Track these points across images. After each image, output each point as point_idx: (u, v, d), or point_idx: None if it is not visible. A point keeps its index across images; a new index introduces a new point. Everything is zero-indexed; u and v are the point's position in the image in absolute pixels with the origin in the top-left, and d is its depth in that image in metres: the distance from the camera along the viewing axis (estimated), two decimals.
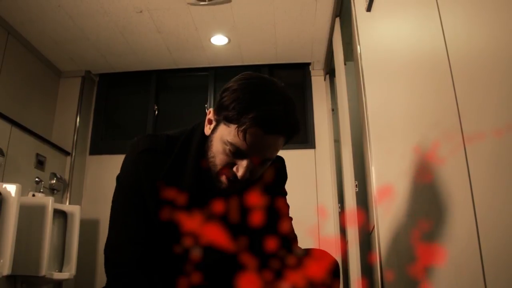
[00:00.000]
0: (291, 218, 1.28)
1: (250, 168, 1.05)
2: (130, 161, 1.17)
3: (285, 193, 1.31)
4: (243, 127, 1.00)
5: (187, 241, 1.10)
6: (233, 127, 1.02)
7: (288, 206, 1.29)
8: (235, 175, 1.06)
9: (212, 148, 1.09)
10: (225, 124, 1.05)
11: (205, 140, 1.13)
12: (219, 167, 1.07)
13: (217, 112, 1.09)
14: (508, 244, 0.70)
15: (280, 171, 1.29)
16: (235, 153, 1.04)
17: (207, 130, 1.13)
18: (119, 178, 1.20)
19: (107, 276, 1.13)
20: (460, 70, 0.91)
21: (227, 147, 1.04)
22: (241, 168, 1.05)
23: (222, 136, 1.05)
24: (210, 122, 1.13)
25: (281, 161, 1.31)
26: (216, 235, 1.10)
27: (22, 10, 3.24)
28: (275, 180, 1.23)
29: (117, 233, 1.15)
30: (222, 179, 1.08)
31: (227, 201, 1.13)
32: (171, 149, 1.15)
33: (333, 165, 3.71)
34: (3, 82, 3.35)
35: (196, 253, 1.11)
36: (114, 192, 1.20)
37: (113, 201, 1.19)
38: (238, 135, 1.01)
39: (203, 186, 1.14)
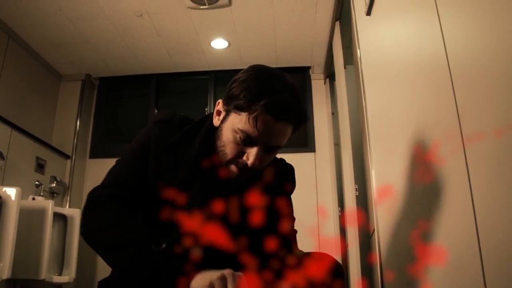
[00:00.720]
0: (294, 231, 1.28)
1: (260, 156, 1.08)
2: (145, 129, 1.22)
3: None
4: (254, 114, 1.03)
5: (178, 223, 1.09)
6: (244, 115, 1.05)
7: (294, 218, 1.30)
8: (245, 163, 1.08)
9: (222, 138, 1.11)
10: (235, 113, 1.08)
11: (213, 131, 1.16)
12: (229, 156, 1.10)
13: (226, 102, 1.12)
14: (508, 245, 0.70)
15: (288, 177, 1.32)
16: (246, 141, 1.07)
17: (216, 121, 1.15)
18: (132, 141, 1.24)
19: (84, 210, 1.14)
20: (460, 73, 0.91)
21: (238, 135, 1.07)
22: (251, 156, 1.07)
23: (233, 125, 1.08)
24: (219, 113, 1.15)
25: (290, 169, 1.35)
26: (218, 236, 1.10)
27: (23, 13, 3.25)
28: (283, 185, 1.26)
29: (109, 177, 1.17)
30: (232, 168, 1.10)
31: (230, 202, 1.13)
32: (183, 126, 1.20)
33: (333, 168, 3.71)
34: (3, 85, 3.36)
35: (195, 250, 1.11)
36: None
37: (118, 159, 1.23)
38: (249, 122, 1.04)
39: (208, 166, 1.15)
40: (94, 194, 1.15)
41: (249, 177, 1.14)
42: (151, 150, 1.17)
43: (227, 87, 1.14)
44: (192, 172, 1.15)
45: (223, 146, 1.11)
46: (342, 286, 1.13)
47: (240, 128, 1.06)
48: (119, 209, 1.10)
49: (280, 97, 1.05)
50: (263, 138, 1.06)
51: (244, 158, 1.09)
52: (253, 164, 1.07)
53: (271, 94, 1.04)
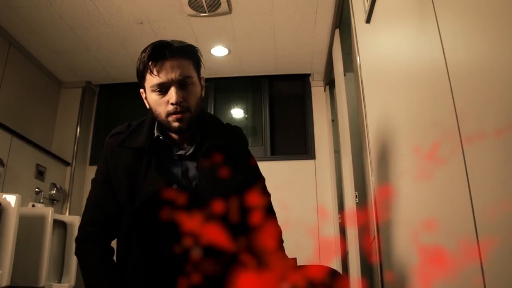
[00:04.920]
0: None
1: (177, 92, 1.26)
2: (102, 151, 1.40)
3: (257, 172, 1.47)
4: (148, 68, 1.27)
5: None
6: (146, 76, 1.28)
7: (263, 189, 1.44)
8: (174, 106, 1.26)
9: (152, 106, 1.31)
10: (144, 81, 1.31)
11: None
12: (162, 112, 1.28)
13: (140, 85, 1.35)
14: (507, 245, 0.71)
15: (236, 134, 1.46)
16: (161, 90, 1.27)
17: (147, 104, 1.35)
18: None
19: (75, 252, 1.34)
20: (459, 81, 0.92)
21: (154, 91, 1.28)
22: (171, 96, 1.26)
23: (149, 89, 1.29)
24: (145, 98, 1.36)
25: (237, 128, 1.50)
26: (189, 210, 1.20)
27: (24, 21, 3.27)
28: (234, 142, 1.41)
29: (85, 214, 1.38)
30: (170, 119, 1.28)
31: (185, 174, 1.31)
32: (131, 125, 1.41)
33: (333, 175, 3.71)
34: (4, 93, 3.36)
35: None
36: None
37: (90, 191, 1.45)
38: (151, 75, 1.27)
39: (161, 147, 1.34)
40: (79, 236, 1.34)
41: (190, 119, 1.30)
42: (110, 163, 1.34)
43: None
44: (149, 157, 1.30)
45: (155, 110, 1.30)
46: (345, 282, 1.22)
47: (151, 85, 1.27)
48: (97, 259, 1.29)
49: (156, 43, 1.29)
50: (168, 78, 1.26)
51: (169, 101, 1.26)
52: (176, 99, 1.25)
53: (150, 46, 1.29)
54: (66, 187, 3.88)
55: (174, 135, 1.35)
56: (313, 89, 4.21)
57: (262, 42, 3.64)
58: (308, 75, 4.23)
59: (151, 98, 1.30)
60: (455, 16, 0.94)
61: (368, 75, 1.99)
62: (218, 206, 1.23)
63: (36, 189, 3.50)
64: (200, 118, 1.37)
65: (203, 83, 1.40)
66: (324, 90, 4.16)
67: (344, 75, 3.02)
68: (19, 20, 3.25)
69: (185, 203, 1.21)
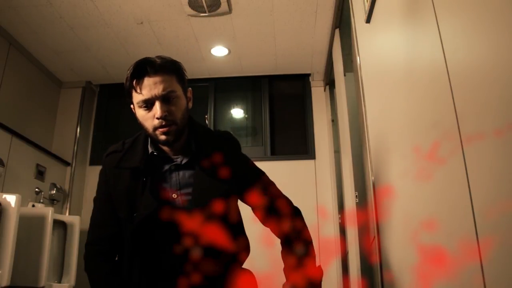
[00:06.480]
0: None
1: (162, 107, 1.30)
2: (100, 169, 1.46)
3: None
4: (132, 85, 1.31)
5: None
6: (132, 93, 1.33)
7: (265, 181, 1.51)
8: (159, 120, 1.30)
9: (140, 121, 1.35)
10: (131, 98, 1.35)
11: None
12: (150, 126, 1.33)
13: (128, 100, 1.38)
14: (507, 245, 0.71)
15: (228, 140, 1.51)
16: (147, 106, 1.31)
17: (137, 118, 1.38)
18: None
19: (84, 268, 1.44)
20: (459, 81, 0.92)
21: (141, 108, 1.32)
22: (156, 111, 1.30)
23: (136, 105, 1.34)
24: (135, 112, 1.39)
25: (227, 134, 1.55)
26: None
27: (24, 21, 3.27)
28: (227, 148, 1.46)
29: (89, 232, 1.45)
30: (157, 132, 1.33)
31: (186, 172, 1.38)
32: (126, 143, 1.45)
33: (333, 175, 3.71)
34: (4, 93, 3.36)
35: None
36: None
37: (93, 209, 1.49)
38: (136, 92, 1.31)
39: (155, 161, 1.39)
40: (86, 254, 1.42)
41: (176, 131, 1.34)
42: (109, 182, 1.39)
43: None
44: (145, 176, 1.36)
45: (143, 125, 1.35)
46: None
47: (137, 102, 1.32)
48: (103, 276, 1.40)
49: (138, 61, 1.32)
50: (151, 94, 1.30)
51: (155, 117, 1.31)
52: (161, 114, 1.29)
53: (133, 65, 1.32)
54: (66, 187, 3.88)
55: (165, 148, 1.40)
56: (313, 89, 4.21)
57: (262, 42, 3.64)
58: (308, 75, 4.23)
59: (139, 113, 1.35)
60: (455, 16, 0.94)
61: (368, 75, 1.99)
62: (217, 210, 1.30)
63: (36, 189, 3.50)
64: (191, 128, 1.45)
65: (190, 95, 1.46)
66: (324, 90, 4.16)
67: (344, 75, 3.02)
68: (19, 20, 3.25)
69: (181, 216, 1.28)
